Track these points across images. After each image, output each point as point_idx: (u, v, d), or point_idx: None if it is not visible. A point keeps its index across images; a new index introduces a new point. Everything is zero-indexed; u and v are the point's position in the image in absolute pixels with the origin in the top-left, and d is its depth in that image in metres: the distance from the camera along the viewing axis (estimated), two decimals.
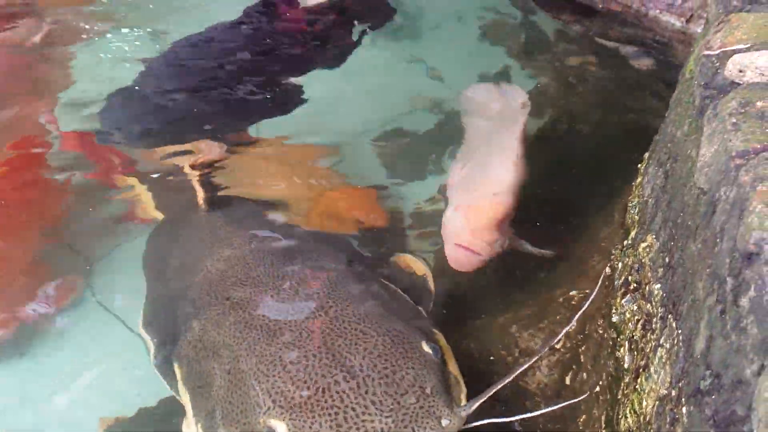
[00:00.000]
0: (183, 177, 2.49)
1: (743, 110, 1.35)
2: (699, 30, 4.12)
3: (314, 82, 3.35)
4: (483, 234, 2.20)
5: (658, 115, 2.39)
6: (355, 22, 3.82)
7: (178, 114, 2.71)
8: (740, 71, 1.49)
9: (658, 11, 4.27)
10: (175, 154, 2.60)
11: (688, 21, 4.17)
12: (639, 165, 2.43)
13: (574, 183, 2.92)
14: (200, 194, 2.36)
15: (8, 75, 2.87)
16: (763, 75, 1.45)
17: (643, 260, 1.75)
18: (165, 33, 3.46)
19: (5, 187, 2.60)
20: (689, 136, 1.67)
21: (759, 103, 1.34)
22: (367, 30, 3.81)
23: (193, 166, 2.51)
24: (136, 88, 2.71)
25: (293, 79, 3.29)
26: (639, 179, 2.32)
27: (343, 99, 3.36)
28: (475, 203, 2.32)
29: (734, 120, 1.33)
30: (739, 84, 1.49)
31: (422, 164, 3.13)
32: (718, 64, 1.66)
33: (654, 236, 1.74)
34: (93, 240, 2.46)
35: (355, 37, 3.74)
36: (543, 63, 3.83)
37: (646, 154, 2.42)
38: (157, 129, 2.64)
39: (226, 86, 2.96)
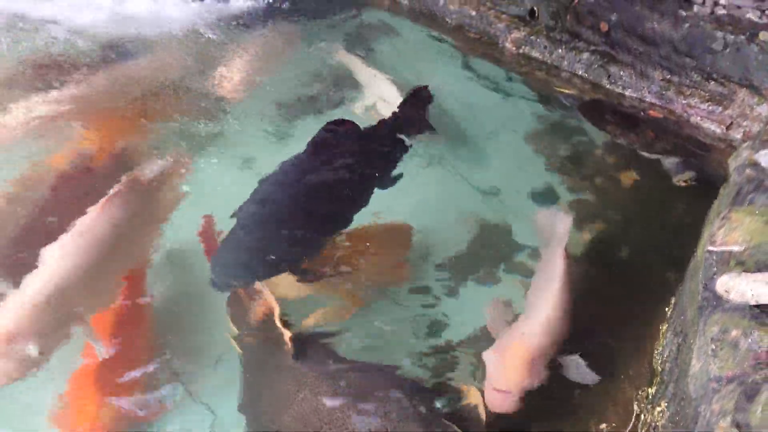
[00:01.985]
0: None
1: (722, 337, 1.73)
2: (738, 136, 4.43)
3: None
4: (516, 376, 2.57)
5: (694, 234, 2.71)
6: (402, 138, 4.18)
7: (268, 251, 3.23)
8: (726, 291, 1.87)
9: (699, 118, 4.60)
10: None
11: (728, 128, 4.47)
12: (666, 309, 2.79)
13: (610, 304, 3.25)
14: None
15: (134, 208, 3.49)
16: (743, 297, 1.83)
17: (657, 424, 2.12)
18: (251, 160, 4.04)
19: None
20: (693, 325, 2.05)
21: (734, 332, 1.73)
22: (409, 143, 4.16)
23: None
24: (233, 238, 3.24)
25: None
26: (664, 327, 2.67)
27: (398, 214, 3.78)
28: (509, 345, 2.70)
29: (713, 346, 1.72)
30: (726, 301, 1.87)
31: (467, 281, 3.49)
32: (715, 269, 2.04)
33: (666, 404, 2.12)
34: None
35: (399, 153, 4.09)
36: (585, 176, 4.16)
37: (673, 299, 2.77)
38: (258, 267, 3.17)
39: (301, 221, 3.43)
